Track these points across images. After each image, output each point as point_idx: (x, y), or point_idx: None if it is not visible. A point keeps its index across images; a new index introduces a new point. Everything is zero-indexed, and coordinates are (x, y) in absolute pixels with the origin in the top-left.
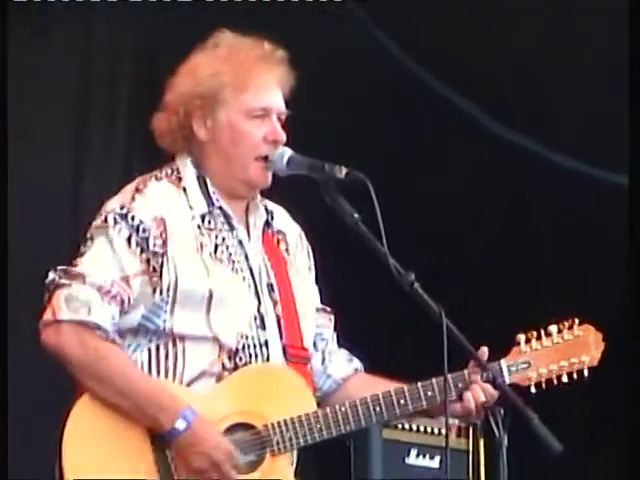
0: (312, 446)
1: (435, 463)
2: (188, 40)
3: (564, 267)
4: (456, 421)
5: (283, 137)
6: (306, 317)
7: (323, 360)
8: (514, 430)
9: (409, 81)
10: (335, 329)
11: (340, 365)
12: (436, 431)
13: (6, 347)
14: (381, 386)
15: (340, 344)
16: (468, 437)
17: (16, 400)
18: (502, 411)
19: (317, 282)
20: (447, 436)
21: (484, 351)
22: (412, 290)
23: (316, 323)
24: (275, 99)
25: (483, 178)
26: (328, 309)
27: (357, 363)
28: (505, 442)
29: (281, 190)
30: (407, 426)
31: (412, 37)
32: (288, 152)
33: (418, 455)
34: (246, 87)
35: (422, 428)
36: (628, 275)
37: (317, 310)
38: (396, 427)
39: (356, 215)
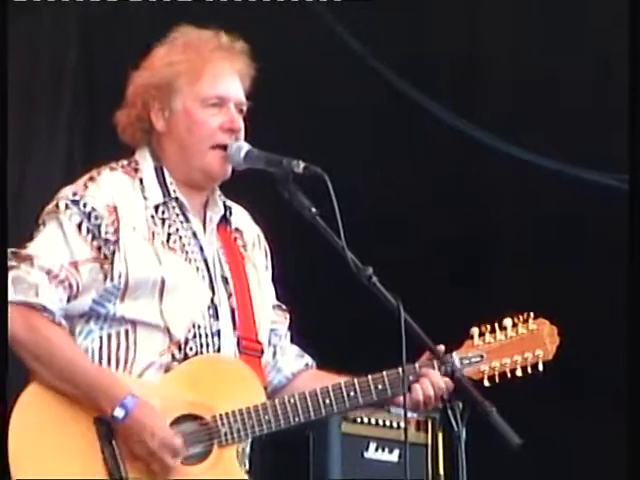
0: (270, 439)
1: (394, 457)
2: (129, 38)
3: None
4: (415, 415)
5: (239, 125)
6: (261, 312)
7: (274, 354)
8: (473, 423)
9: (386, 90)
10: (289, 327)
11: (291, 360)
12: (395, 425)
13: (6, 347)
14: (331, 381)
15: (293, 342)
16: (427, 431)
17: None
18: (460, 404)
19: (273, 281)
20: (406, 430)
21: (441, 348)
22: (370, 284)
23: (272, 319)
24: (232, 88)
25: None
26: (284, 307)
27: (308, 359)
28: (463, 435)
29: (239, 186)
30: (366, 420)
31: (387, 44)
32: (245, 146)
33: (377, 449)
34: (201, 75)
35: (381, 422)
36: (628, 279)
37: (273, 307)
38: (355, 421)
39: (314, 209)
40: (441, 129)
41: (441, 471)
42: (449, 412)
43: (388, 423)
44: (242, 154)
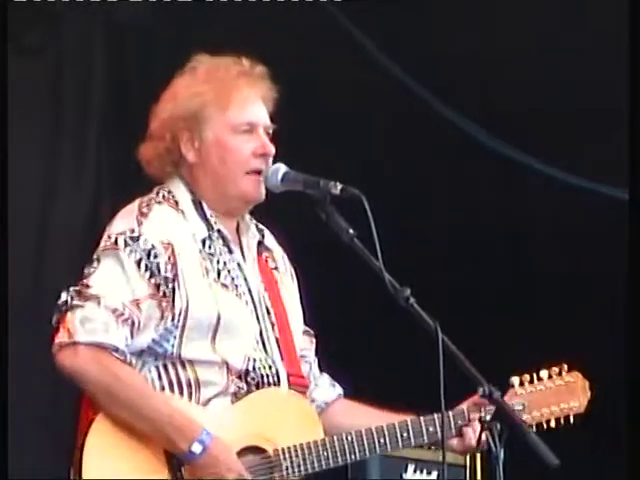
0: None
1: (433, 477)
2: (158, 67)
3: (564, 282)
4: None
5: (272, 150)
6: (298, 341)
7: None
8: (511, 444)
9: (407, 100)
10: (316, 352)
11: (324, 390)
12: (433, 446)
13: (6, 347)
14: (363, 413)
15: (321, 368)
16: None
17: (16, 400)
18: (498, 426)
19: (301, 304)
20: (444, 451)
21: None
22: (407, 305)
23: (301, 345)
24: (259, 113)
25: (480, 194)
26: (311, 332)
27: (339, 389)
28: (501, 456)
29: (265, 209)
30: None
31: (410, 53)
32: (283, 168)
33: (415, 470)
34: (228, 103)
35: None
36: (627, 289)
37: (302, 332)
38: None
39: (351, 231)
40: (481, 152)
41: None
42: (487, 433)
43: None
44: (279, 176)
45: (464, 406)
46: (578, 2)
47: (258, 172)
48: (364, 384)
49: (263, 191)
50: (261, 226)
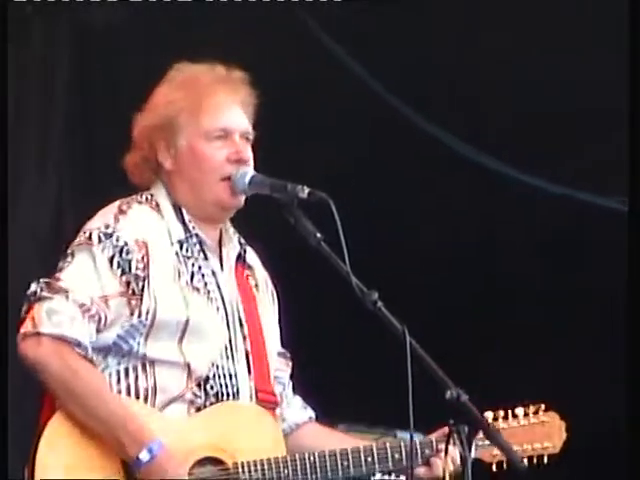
0: None
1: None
2: (123, 68)
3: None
4: None
5: (246, 156)
6: (272, 359)
7: (280, 403)
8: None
9: (385, 112)
10: (291, 375)
11: (295, 410)
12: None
13: (6, 347)
14: (333, 439)
15: (295, 391)
16: None
17: (16, 400)
18: (466, 428)
19: (280, 326)
20: (412, 456)
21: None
22: (375, 309)
23: (276, 367)
24: (234, 119)
25: (462, 205)
26: (288, 354)
27: (310, 412)
28: (470, 458)
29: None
30: None
31: (383, 65)
32: (250, 172)
33: (384, 474)
34: (201, 109)
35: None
36: (627, 297)
37: (278, 354)
38: None
39: (319, 235)
40: (451, 157)
41: None
42: (455, 435)
43: None
44: (246, 180)
45: (433, 437)
46: (578, 2)
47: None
48: (335, 391)
49: (241, 198)
50: (244, 242)
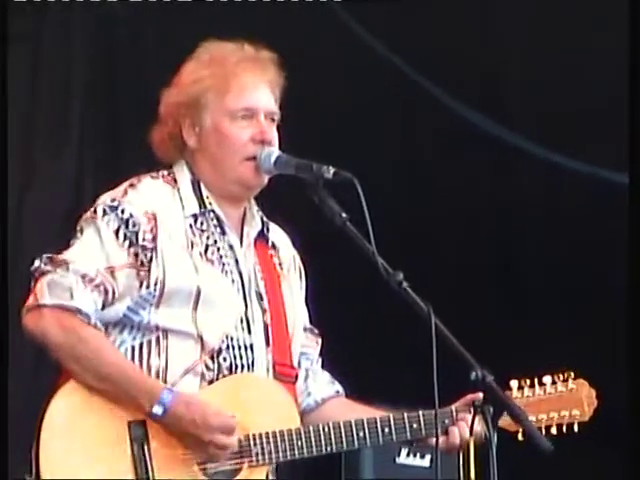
0: None
1: (426, 462)
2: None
3: (561, 271)
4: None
5: (270, 136)
6: (295, 334)
7: (306, 378)
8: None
9: (408, 88)
10: (320, 351)
11: (322, 385)
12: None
13: (6, 347)
14: (360, 412)
15: (324, 368)
16: None
17: (16, 400)
18: (491, 409)
19: (307, 304)
20: (437, 435)
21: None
22: (400, 289)
23: (303, 343)
24: (261, 99)
25: (479, 181)
26: (316, 331)
27: (338, 386)
28: (495, 440)
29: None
30: None
31: (410, 44)
32: (276, 152)
33: (409, 454)
34: (227, 89)
35: None
36: (629, 275)
37: (305, 330)
38: None
39: (344, 215)
40: (470, 133)
41: (472, 476)
42: (480, 417)
43: None
44: (272, 160)
45: (453, 407)
46: (578, 2)
47: (256, 159)
48: (362, 390)
49: (264, 178)
50: (267, 221)
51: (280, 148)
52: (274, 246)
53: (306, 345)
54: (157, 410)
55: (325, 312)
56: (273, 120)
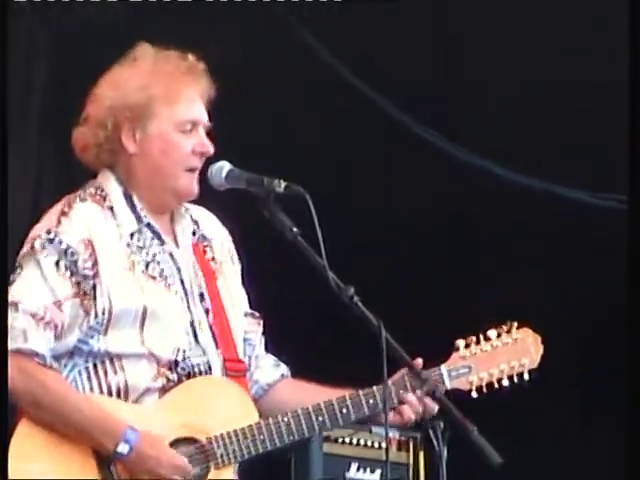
0: (253, 460)
1: (376, 476)
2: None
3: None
4: (396, 434)
5: (211, 149)
6: (237, 326)
7: (249, 365)
8: (454, 443)
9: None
10: (263, 334)
11: (267, 370)
12: (376, 445)
13: (6, 347)
14: (308, 391)
15: (267, 349)
16: (408, 450)
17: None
18: (442, 424)
19: (244, 285)
20: (387, 450)
21: (419, 362)
22: (351, 303)
23: (245, 328)
24: (202, 111)
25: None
26: (257, 314)
27: (284, 368)
28: (445, 455)
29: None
30: (347, 440)
31: (365, 60)
32: (227, 166)
33: (359, 469)
34: (177, 99)
35: (362, 442)
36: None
37: (245, 315)
38: (336, 441)
39: (295, 229)
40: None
41: None
42: (430, 431)
43: (369, 443)
44: (223, 174)
45: (403, 375)
46: (578, 2)
47: (195, 170)
48: (306, 367)
49: (197, 188)
50: (197, 213)
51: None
52: (205, 238)
53: (248, 331)
54: (122, 449)
55: (266, 292)
56: (208, 133)
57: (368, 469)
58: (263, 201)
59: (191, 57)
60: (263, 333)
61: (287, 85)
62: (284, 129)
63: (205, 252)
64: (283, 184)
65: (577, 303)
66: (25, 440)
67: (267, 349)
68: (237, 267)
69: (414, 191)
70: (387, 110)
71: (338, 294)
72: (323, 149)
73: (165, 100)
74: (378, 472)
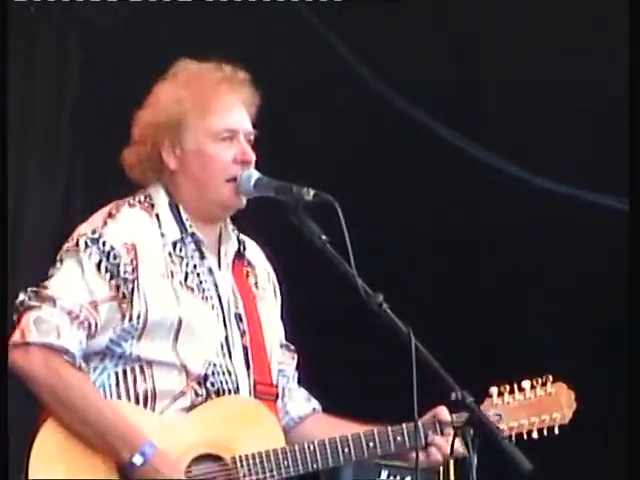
0: None
1: None
2: (131, 70)
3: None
4: None
5: (252, 157)
6: (273, 352)
7: (283, 396)
8: (485, 450)
9: (391, 113)
10: (297, 368)
11: (299, 403)
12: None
13: (6, 348)
14: (338, 427)
15: (300, 384)
16: None
17: (16, 401)
18: (471, 431)
19: (282, 319)
20: (417, 456)
21: (444, 412)
22: (380, 311)
23: (279, 360)
24: (240, 119)
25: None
26: (292, 347)
27: (315, 403)
28: (475, 462)
29: (250, 222)
30: None
31: (390, 63)
32: (255, 174)
33: (389, 476)
34: (209, 110)
35: None
36: (628, 295)
37: (281, 346)
38: None
39: (324, 237)
40: (451, 154)
41: None
42: (460, 438)
43: None
44: (252, 182)
45: (433, 416)
46: (578, 2)
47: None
48: (338, 397)
49: (244, 199)
50: (245, 238)
51: (256, 168)
52: (250, 264)
53: (282, 362)
54: (137, 460)
55: (301, 328)
56: (250, 141)
57: (398, 476)
58: (292, 209)
59: (226, 67)
60: (297, 367)
61: (287, 85)
62: (284, 129)
63: (248, 276)
64: (312, 192)
65: (577, 303)
66: (50, 441)
67: (300, 384)
68: (278, 300)
69: (414, 191)
70: (387, 110)
71: (367, 301)
72: (323, 149)
73: (198, 112)
74: (409, 479)
